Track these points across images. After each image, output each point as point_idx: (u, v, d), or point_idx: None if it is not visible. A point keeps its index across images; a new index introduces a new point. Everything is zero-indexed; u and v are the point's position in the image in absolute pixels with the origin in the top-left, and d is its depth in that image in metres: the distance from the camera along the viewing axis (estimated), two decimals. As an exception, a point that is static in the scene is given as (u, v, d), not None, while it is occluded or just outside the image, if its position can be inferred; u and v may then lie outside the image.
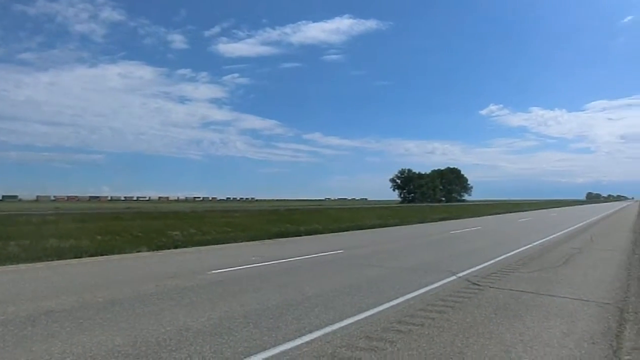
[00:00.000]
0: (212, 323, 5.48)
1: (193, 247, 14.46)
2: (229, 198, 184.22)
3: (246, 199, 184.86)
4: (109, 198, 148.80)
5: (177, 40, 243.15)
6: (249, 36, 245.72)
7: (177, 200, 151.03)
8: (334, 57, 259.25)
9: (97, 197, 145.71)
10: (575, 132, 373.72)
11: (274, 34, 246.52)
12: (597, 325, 5.43)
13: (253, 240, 16.82)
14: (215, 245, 15.16)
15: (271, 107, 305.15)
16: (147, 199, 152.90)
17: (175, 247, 14.24)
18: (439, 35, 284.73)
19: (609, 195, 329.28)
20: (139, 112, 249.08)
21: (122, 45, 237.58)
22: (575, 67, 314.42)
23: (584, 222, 28.76)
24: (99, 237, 14.68)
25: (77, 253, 11.98)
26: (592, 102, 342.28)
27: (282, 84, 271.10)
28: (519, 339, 4.87)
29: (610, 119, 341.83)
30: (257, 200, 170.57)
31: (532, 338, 4.89)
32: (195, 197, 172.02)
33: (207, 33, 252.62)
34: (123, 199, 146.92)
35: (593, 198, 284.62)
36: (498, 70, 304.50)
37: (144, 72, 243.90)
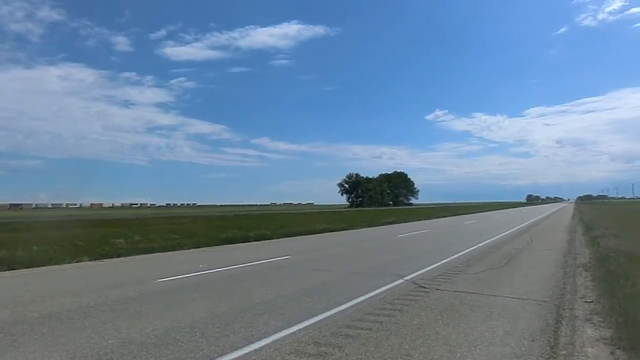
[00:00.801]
0: (157, 334, 5.35)
1: (138, 256, 14.14)
2: (169, 204, 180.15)
3: (187, 204, 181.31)
4: (34, 206, 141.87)
5: (121, 42, 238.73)
6: (196, 40, 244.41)
7: (112, 207, 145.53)
8: (282, 62, 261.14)
9: (19, 204, 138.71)
10: (516, 137, 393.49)
11: (221, 38, 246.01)
12: (537, 323, 5.73)
13: (200, 247, 16.64)
14: (162, 253, 14.86)
15: (219, 112, 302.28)
16: (77, 206, 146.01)
17: (119, 256, 13.84)
18: (387, 42, 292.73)
19: (547, 197, 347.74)
20: (80, 115, 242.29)
21: (62, 47, 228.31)
22: (515, 75, 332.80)
23: (525, 224, 30.23)
24: (35, 247, 13.93)
25: (11, 264, 11.39)
26: (531, 109, 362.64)
27: (230, 89, 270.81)
28: (463, 339, 5.06)
29: (547, 124, 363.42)
30: (199, 205, 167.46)
31: (476, 338, 5.10)
32: (131, 204, 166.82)
33: (152, 36, 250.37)
34: (50, 206, 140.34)
35: (533, 200, 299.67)
36: (444, 77, 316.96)
37: (85, 74, 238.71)
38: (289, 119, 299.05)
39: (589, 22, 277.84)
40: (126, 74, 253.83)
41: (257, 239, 19.93)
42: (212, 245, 17.22)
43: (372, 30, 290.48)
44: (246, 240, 19.29)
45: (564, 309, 6.46)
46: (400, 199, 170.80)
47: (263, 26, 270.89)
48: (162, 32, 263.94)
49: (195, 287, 8.57)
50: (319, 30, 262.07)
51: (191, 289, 8.30)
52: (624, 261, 9.54)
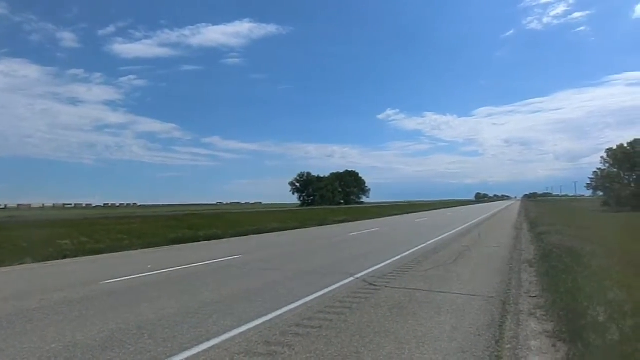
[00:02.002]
0: (103, 337, 5.25)
1: (85, 257, 13.89)
2: (107, 204, 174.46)
3: (128, 204, 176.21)
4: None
5: (68, 38, 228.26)
6: (147, 37, 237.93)
7: (42, 208, 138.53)
8: (234, 60, 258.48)
9: None
10: (465, 136, 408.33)
11: (172, 35, 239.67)
12: (483, 318, 5.94)
13: (150, 247, 16.50)
14: (110, 254, 14.63)
15: (169, 110, 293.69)
16: (2, 207, 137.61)
17: (65, 257, 13.53)
18: (339, 41, 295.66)
19: (495, 195, 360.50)
20: (23, 113, 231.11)
21: (4, 42, 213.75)
22: (465, 76, 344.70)
23: (474, 221, 31.27)
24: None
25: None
26: (479, 109, 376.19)
27: (181, 87, 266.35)
28: (412, 335, 5.17)
29: (495, 124, 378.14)
30: (140, 206, 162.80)
31: (424, 334, 5.22)
32: (65, 204, 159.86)
33: (101, 32, 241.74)
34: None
35: (481, 198, 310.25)
36: (395, 77, 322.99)
37: (29, 70, 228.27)
38: (241, 118, 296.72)
39: (535, 25, 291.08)
40: (73, 71, 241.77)
41: (208, 238, 19.90)
42: (161, 246, 17.12)
43: (324, 29, 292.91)
44: (196, 240, 19.26)
45: (509, 304, 6.72)
46: (352, 197, 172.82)
47: (215, 24, 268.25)
48: (111, 29, 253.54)
49: (143, 288, 8.43)
50: (271, 29, 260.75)
51: (139, 290, 8.17)
52: (565, 256, 10.02)
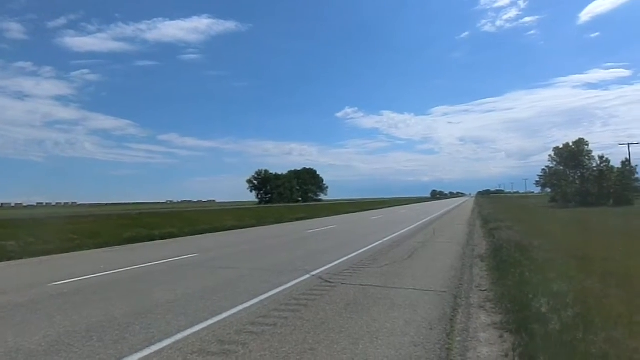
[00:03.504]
0: (49, 341, 5.10)
1: (32, 258, 13.36)
2: (58, 203, 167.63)
3: (71, 203, 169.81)
4: None
5: (15, 29, 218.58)
6: (100, 30, 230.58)
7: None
8: (192, 56, 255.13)
9: None
10: (422, 135, 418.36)
11: (127, 29, 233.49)
12: (435, 312, 6.14)
13: (102, 247, 16.10)
14: (59, 255, 14.15)
15: (124, 107, 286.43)
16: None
17: (9, 259, 13.01)
18: (299, 39, 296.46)
19: (450, 193, 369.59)
20: None
21: None
22: (422, 75, 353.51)
23: (429, 218, 32.02)
24: None
25: None
26: (436, 107, 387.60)
27: (136, 83, 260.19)
28: (366, 330, 5.29)
29: (450, 122, 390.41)
30: (92, 204, 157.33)
31: (378, 329, 5.35)
32: (2, 204, 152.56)
33: (51, 24, 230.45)
34: None
35: (437, 195, 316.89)
36: (354, 75, 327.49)
37: None
38: (199, 115, 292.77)
39: (488, 28, 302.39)
40: (20, 64, 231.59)
41: (163, 237, 19.64)
42: (115, 245, 16.75)
43: (284, 27, 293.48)
44: (151, 239, 18.97)
45: (460, 298, 6.96)
46: (310, 195, 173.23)
47: (172, 19, 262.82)
48: (62, 21, 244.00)
49: (94, 289, 8.24)
50: (230, 25, 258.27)
51: (89, 292, 7.97)
52: (514, 251, 10.47)
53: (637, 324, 4.82)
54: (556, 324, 4.73)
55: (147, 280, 9.09)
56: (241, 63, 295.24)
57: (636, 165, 56.11)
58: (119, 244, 17.02)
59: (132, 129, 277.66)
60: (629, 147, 59.37)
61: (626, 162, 56.65)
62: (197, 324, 5.67)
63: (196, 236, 20.82)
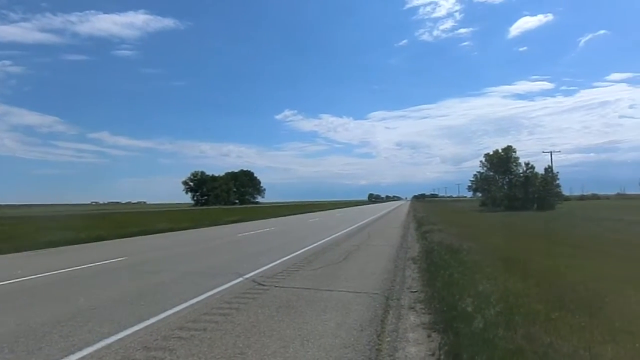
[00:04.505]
0: (-52, 356, 4.70)
1: None
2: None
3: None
4: None
5: None
6: (25, 20, 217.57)
7: None
8: (126, 52, 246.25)
9: None
10: (360, 139, 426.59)
11: (56, 20, 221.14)
12: (367, 314, 6.25)
13: (21, 251, 15.03)
14: None
15: (51, 102, 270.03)
16: None
17: None
18: (239, 41, 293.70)
19: (387, 196, 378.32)
20: None
21: None
22: (361, 80, 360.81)
23: (365, 221, 32.57)
24: None
25: None
26: (374, 112, 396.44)
27: (65, 77, 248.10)
28: (297, 333, 5.30)
29: (388, 127, 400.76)
30: (10, 205, 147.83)
31: (309, 332, 5.38)
32: None
33: None
34: None
35: (374, 199, 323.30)
36: (294, 78, 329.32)
37: None
38: (133, 114, 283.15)
39: (426, 37, 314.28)
40: None
41: (91, 240, 18.73)
42: (36, 249, 15.69)
43: (224, 27, 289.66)
44: (77, 242, 17.99)
45: (392, 300, 7.14)
46: (247, 197, 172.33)
47: (106, 12, 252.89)
48: None
49: (8, 296, 7.74)
50: (168, 22, 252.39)
51: (3, 299, 7.46)
52: (445, 253, 10.85)
53: (553, 320, 5.13)
54: (480, 322, 4.94)
55: (70, 285, 8.63)
56: (179, 62, 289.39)
57: (557, 172, 60.18)
58: (41, 248, 16.01)
59: (60, 126, 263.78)
60: (551, 155, 63.87)
61: (548, 169, 60.63)
62: (121, 330, 5.46)
63: (127, 239, 20.02)
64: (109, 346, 4.89)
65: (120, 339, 5.13)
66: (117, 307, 6.70)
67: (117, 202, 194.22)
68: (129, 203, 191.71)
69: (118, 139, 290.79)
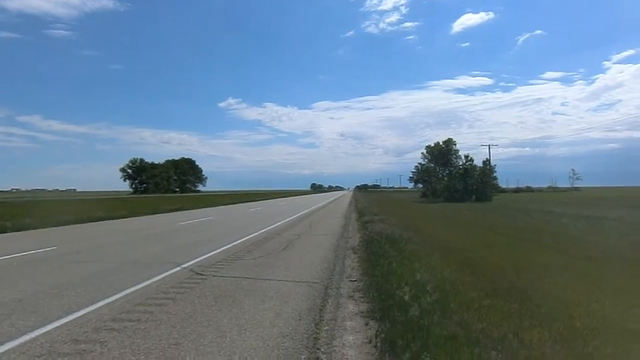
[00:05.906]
0: None
1: None
2: None
3: None
4: None
5: None
6: None
7: None
8: (61, 32, 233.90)
9: None
10: (304, 128, 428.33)
11: None
12: (306, 303, 6.30)
13: None
14: None
15: None
16: None
17: None
18: (182, 26, 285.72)
19: (330, 186, 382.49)
20: None
21: None
22: (306, 70, 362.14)
23: (307, 210, 32.75)
24: None
25: None
26: (318, 102, 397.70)
27: None
28: (235, 323, 5.28)
29: (332, 118, 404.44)
30: None
31: (247, 321, 5.36)
32: None
33: None
34: None
35: (317, 188, 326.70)
36: (239, 66, 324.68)
37: None
38: (67, 97, 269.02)
39: (372, 29, 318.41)
40: None
41: (18, 229, 17.84)
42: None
43: (166, 10, 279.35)
44: (3, 231, 17.07)
45: (331, 289, 7.23)
46: (188, 185, 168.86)
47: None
48: None
49: None
50: (107, 3, 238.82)
51: None
52: (385, 243, 11.11)
53: (485, 307, 5.39)
54: (416, 310, 5.12)
55: (-9, 276, 8.15)
56: (118, 45, 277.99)
57: (495, 165, 62.76)
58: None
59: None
60: (489, 148, 66.98)
61: (486, 162, 63.13)
62: (48, 323, 5.25)
63: (58, 228, 19.16)
64: (33, 340, 4.68)
65: (46, 332, 4.93)
66: (45, 299, 6.42)
67: (42, 190, 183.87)
68: (56, 190, 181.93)
69: (51, 123, 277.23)
